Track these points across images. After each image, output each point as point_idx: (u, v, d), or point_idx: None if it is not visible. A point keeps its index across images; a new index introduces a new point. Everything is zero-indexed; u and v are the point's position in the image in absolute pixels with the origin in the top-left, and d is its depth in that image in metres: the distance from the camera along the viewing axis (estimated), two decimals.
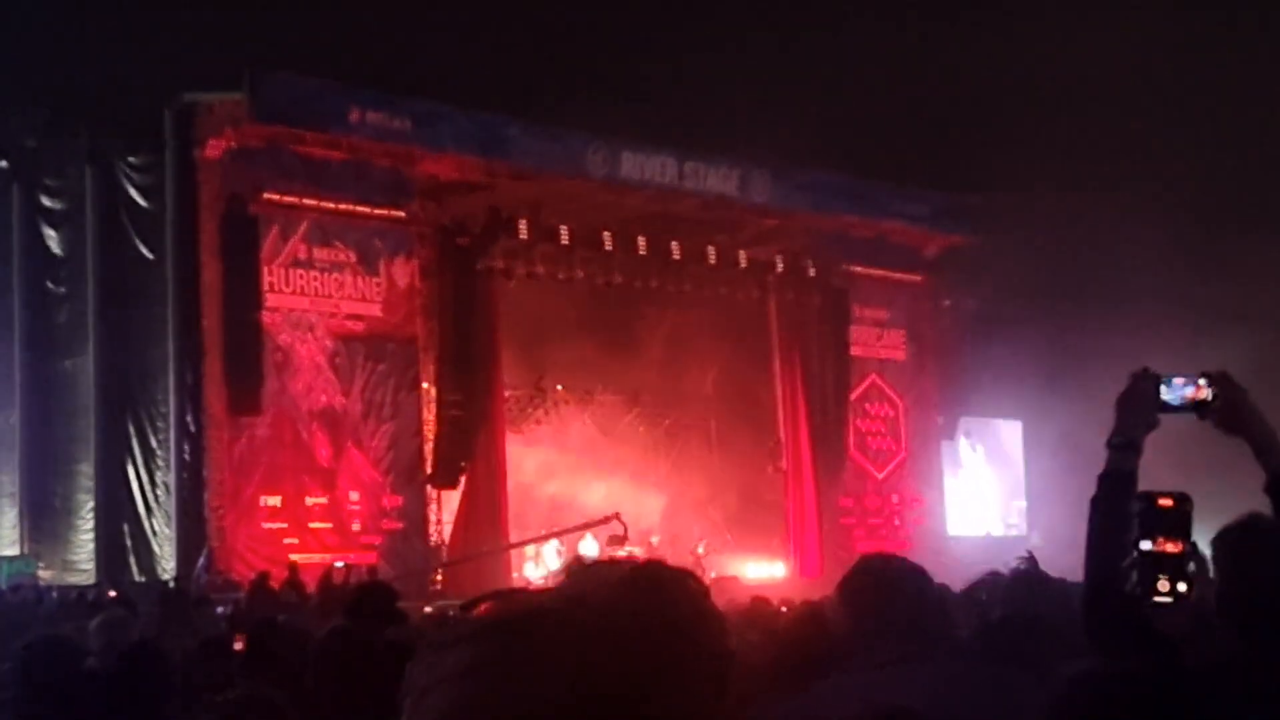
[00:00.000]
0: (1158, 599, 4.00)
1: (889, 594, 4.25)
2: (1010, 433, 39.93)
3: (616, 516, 29.76)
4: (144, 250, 27.66)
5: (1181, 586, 4.00)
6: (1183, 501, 4.08)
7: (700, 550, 32.37)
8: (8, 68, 29.60)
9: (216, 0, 29.53)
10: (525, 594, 1.91)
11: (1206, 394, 4.21)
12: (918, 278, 37.79)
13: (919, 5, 35.99)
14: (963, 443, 38.98)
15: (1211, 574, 3.93)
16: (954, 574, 11.46)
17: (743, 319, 35.50)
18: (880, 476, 37.05)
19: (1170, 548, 4.00)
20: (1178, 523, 4.05)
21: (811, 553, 34.53)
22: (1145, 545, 4.01)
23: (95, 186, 28.18)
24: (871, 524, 36.01)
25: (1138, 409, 4.20)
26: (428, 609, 18.74)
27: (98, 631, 7.66)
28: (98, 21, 30.05)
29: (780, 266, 34.80)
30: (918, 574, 4.36)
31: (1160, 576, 4.00)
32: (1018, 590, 7.02)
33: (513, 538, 30.64)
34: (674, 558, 27.45)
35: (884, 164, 34.80)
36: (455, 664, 1.79)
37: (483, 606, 1.87)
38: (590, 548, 30.54)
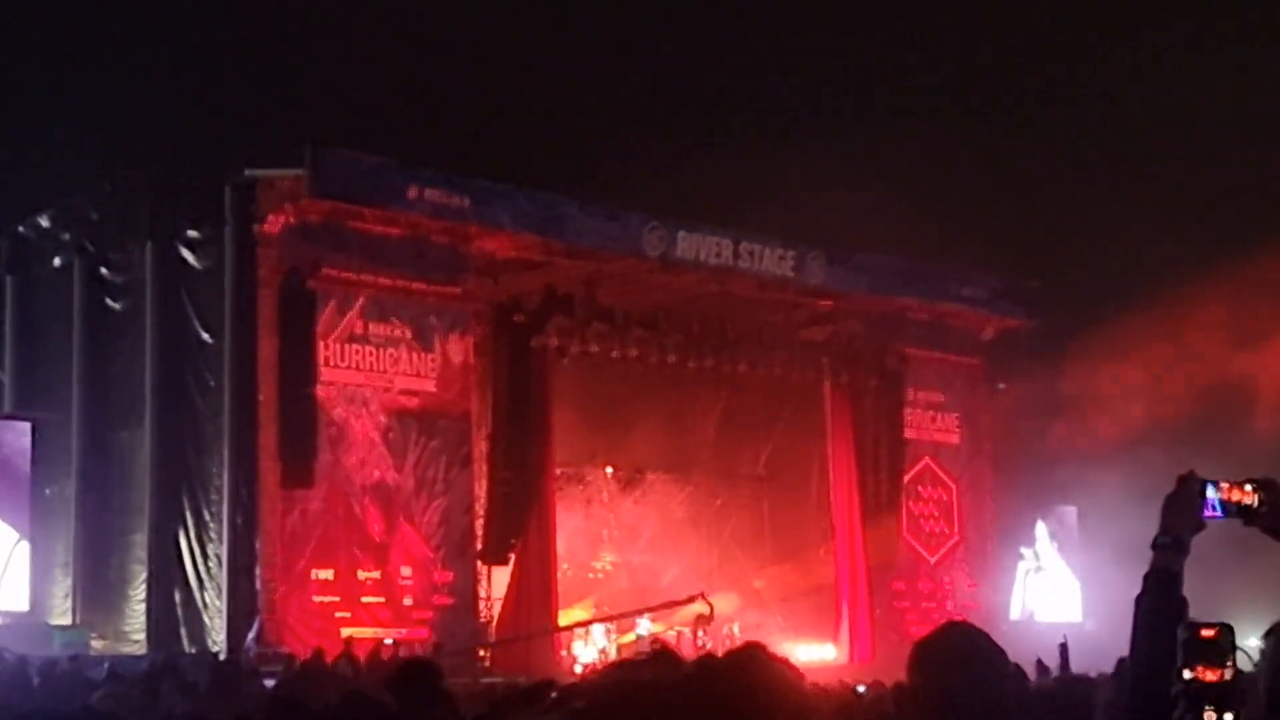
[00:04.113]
0: None
1: (964, 663, 4.24)
2: (1066, 519, 39.64)
3: (701, 595, 29.44)
4: (202, 324, 27.85)
5: (1228, 717, 3.99)
6: (1226, 632, 4.08)
7: (734, 631, 31.54)
8: (73, 143, 30.08)
9: (278, 78, 29.92)
10: (626, 669, 2.01)
11: (1253, 499, 4.21)
12: (974, 361, 37.64)
13: (978, 93, 36.11)
14: (1040, 528, 38.79)
15: (1253, 666, 3.92)
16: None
17: (796, 400, 35.43)
18: (933, 560, 36.79)
19: (1211, 676, 4.00)
20: (1221, 652, 4.05)
21: (863, 636, 34.23)
22: (1187, 675, 4.01)
23: (156, 260, 28.45)
24: (924, 608, 35.67)
25: (1184, 511, 4.21)
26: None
27: None
28: (161, 98, 30.50)
29: (835, 348, 34.74)
30: (995, 650, 4.36)
31: (1206, 707, 3.99)
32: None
33: (561, 615, 30.57)
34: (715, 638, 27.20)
35: (941, 246, 34.81)
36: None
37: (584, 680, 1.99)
38: (644, 626, 30.41)
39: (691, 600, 29.62)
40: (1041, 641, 28.68)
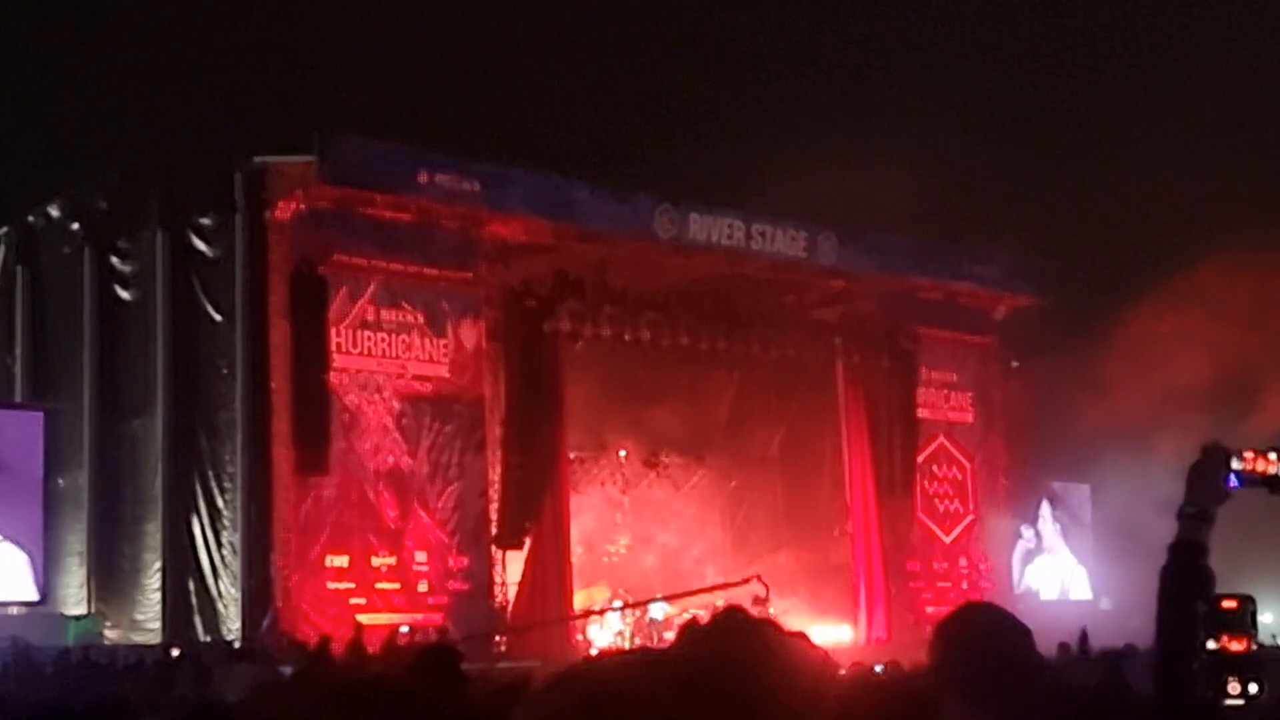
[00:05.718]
0: (1229, 701, 3.95)
1: (987, 642, 4.19)
2: (1079, 496, 39.62)
3: (757, 577, 29.40)
4: (213, 311, 27.85)
5: (1253, 688, 3.95)
6: (1247, 603, 4.05)
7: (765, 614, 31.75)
8: (81, 132, 30.06)
9: (287, 65, 29.88)
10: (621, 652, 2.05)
11: (1278, 468, 4.17)
12: (986, 340, 37.59)
13: (986, 71, 36.02)
14: (1044, 507, 38.79)
15: None
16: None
17: (810, 381, 35.38)
18: (948, 540, 36.74)
19: (1236, 646, 3.96)
20: (1244, 622, 4.02)
21: (879, 616, 34.26)
22: (1211, 645, 3.97)
23: (166, 248, 28.45)
24: (939, 587, 35.67)
25: (1209, 481, 4.17)
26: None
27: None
28: (169, 86, 30.47)
29: (847, 328, 34.70)
30: (1020, 630, 4.32)
31: (1230, 678, 3.95)
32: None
33: (576, 598, 30.58)
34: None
35: (953, 225, 34.75)
36: (552, 707, 1.88)
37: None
38: (659, 611, 30.39)
39: (746, 581, 29.51)
40: (1040, 620, 28.60)
